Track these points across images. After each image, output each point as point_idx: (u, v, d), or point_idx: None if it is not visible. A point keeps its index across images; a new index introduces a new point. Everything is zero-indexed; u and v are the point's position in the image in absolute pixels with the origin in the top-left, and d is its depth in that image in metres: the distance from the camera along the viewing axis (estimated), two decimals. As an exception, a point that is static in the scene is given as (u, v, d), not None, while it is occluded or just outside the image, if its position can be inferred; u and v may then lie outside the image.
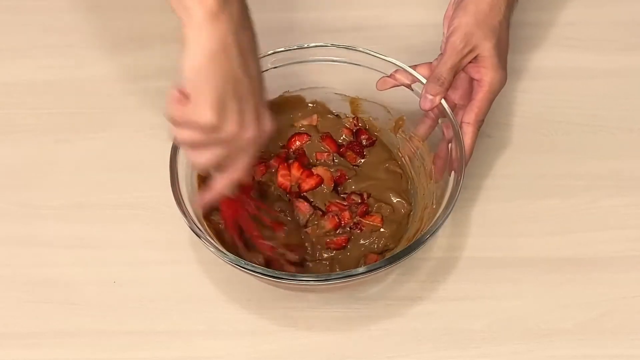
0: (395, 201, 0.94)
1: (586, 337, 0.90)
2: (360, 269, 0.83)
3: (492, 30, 0.91)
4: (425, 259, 0.94)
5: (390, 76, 0.93)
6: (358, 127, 0.99)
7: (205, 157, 0.78)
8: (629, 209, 0.97)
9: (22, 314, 0.92)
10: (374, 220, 0.93)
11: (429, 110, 0.91)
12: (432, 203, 0.90)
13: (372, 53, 0.94)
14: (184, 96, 0.75)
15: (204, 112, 0.74)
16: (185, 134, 0.77)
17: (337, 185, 0.95)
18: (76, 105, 1.05)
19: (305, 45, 0.95)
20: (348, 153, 0.97)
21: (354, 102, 0.98)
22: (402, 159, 0.97)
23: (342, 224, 0.93)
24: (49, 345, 0.90)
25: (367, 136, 0.98)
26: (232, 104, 0.75)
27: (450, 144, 0.90)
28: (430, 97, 0.90)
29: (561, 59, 1.08)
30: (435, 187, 0.91)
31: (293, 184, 0.95)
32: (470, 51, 0.91)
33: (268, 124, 0.79)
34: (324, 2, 1.13)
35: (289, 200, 0.94)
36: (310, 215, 0.93)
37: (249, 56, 0.76)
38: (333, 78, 0.96)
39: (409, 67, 0.93)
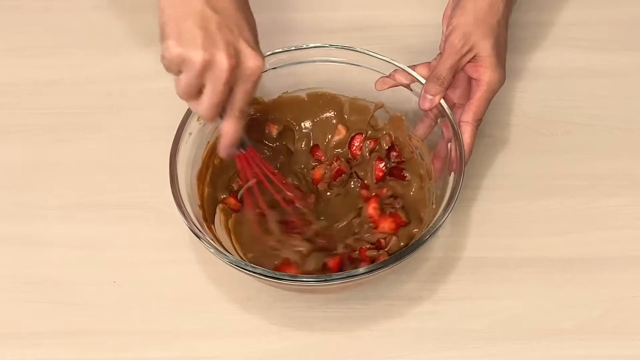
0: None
1: (586, 337, 0.90)
2: (361, 270, 0.83)
3: (490, 29, 0.91)
4: (426, 259, 0.94)
5: (389, 76, 0.93)
6: (390, 145, 0.97)
7: (204, 103, 0.80)
8: (628, 209, 0.97)
9: (22, 314, 0.92)
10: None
11: (428, 110, 0.91)
12: (432, 203, 0.90)
13: (371, 53, 0.94)
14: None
15: (172, 44, 0.78)
16: (180, 80, 0.79)
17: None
18: (76, 105, 1.05)
19: (304, 46, 0.95)
20: (391, 182, 0.96)
21: (353, 103, 0.98)
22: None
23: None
24: (49, 345, 0.90)
25: (397, 153, 0.96)
26: (199, 37, 0.78)
27: (449, 144, 0.90)
28: (429, 97, 0.90)
29: (561, 59, 1.08)
30: (435, 187, 0.91)
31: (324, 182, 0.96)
32: (469, 50, 0.91)
33: (253, 59, 0.79)
34: (323, 2, 1.13)
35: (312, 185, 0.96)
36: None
37: None
38: (332, 78, 0.96)
39: (408, 67, 0.93)
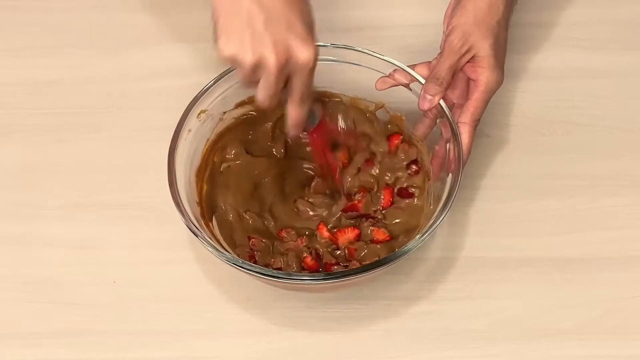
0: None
1: (586, 337, 0.90)
2: (357, 269, 0.83)
3: (489, 29, 0.91)
4: (424, 258, 0.94)
5: (389, 76, 0.93)
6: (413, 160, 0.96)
7: (259, 95, 0.82)
8: (628, 209, 0.97)
9: (22, 314, 0.92)
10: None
11: (427, 110, 0.91)
12: (430, 203, 0.90)
13: (371, 53, 0.94)
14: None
15: (223, 45, 0.79)
16: (238, 73, 0.82)
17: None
18: (76, 105, 1.05)
19: (304, 46, 0.95)
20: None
21: (353, 102, 0.98)
22: None
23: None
24: (49, 345, 0.90)
25: (417, 168, 0.95)
26: (247, 38, 0.78)
27: (448, 144, 0.90)
28: (429, 97, 0.90)
29: (561, 59, 1.08)
30: (434, 187, 0.91)
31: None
32: (468, 51, 0.91)
33: (304, 51, 0.79)
34: (323, 2, 1.12)
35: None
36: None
37: None
38: (332, 78, 0.95)
39: (408, 66, 0.93)
